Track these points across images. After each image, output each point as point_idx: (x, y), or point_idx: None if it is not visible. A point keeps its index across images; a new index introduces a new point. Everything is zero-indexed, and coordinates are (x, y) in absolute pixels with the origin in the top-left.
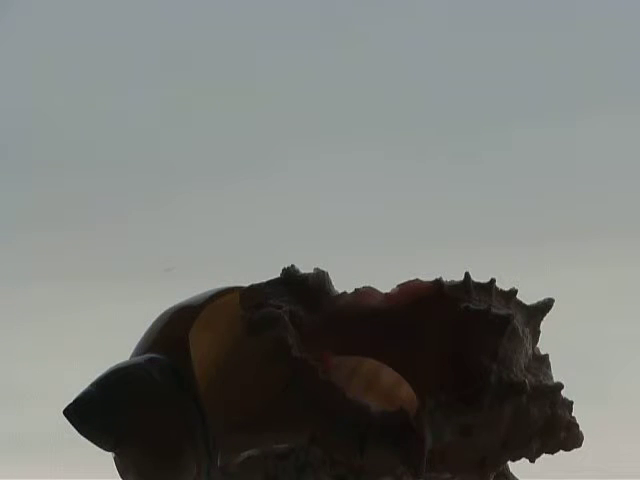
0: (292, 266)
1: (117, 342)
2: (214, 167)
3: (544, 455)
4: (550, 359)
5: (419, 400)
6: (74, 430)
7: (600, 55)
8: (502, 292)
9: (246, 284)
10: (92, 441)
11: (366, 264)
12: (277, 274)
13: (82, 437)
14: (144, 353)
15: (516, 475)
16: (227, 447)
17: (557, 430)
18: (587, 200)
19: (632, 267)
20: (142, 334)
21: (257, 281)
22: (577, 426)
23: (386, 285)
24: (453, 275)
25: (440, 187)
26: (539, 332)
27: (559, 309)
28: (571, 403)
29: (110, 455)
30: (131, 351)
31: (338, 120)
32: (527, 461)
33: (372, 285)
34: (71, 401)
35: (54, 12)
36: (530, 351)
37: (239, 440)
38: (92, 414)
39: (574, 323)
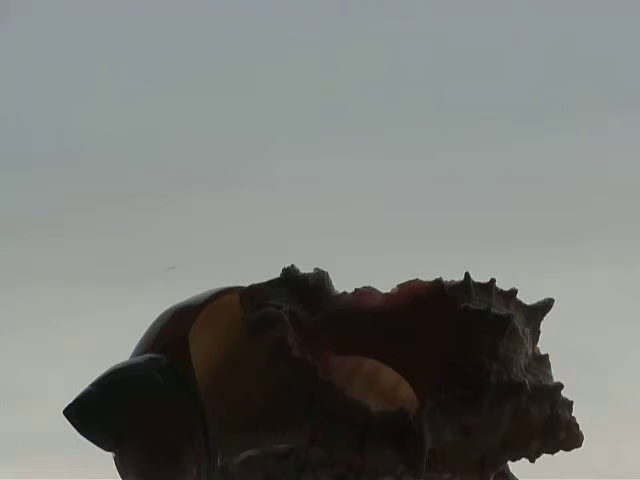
0: (292, 266)
1: (117, 342)
2: (214, 168)
3: (544, 455)
4: (550, 359)
5: (419, 400)
6: (74, 430)
7: (601, 55)
8: (502, 292)
9: (246, 284)
10: (92, 441)
11: (366, 264)
12: (277, 274)
13: (82, 437)
14: (144, 353)
15: (516, 475)
16: (227, 447)
17: (557, 430)
18: (587, 200)
19: (632, 267)
20: (142, 334)
21: (257, 281)
22: (577, 426)
23: (386, 285)
24: (453, 275)
25: (440, 187)
26: (539, 332)
27: (559, 309)
28: (571, 403)
29: (110, 455)
30: (131, 351)
31: (338, 121)
32: (527, 461)
33: (372, 285)
34: (71, 401)
35: (55, 13)
36: (530, 351)
37: (239, 440)
38: (92, 414)
39: (574, 323)
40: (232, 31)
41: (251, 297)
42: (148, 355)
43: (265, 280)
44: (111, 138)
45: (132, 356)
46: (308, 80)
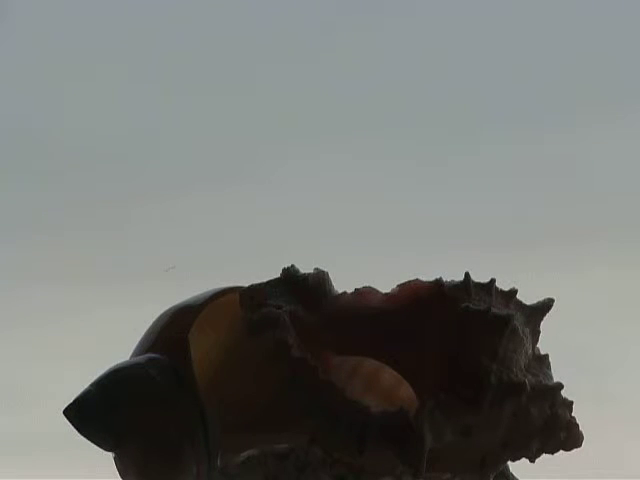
0: (292, 266)
1: (117, 342)
2: (214, 168)
3: (544, 455)
4: (550, 359)
5: (419, 400)
6: (74, 430)
7: (601, 55)
8: (502, 292)
9: (246, 284)
10: (92, 441)
11: (366, 264)
12: (277, 274)
13: (82, 437)
14: (144, 353)
15: (516, 475)
16: (227, 447)
17: (557, 430)
18: (587, 201)
19: (632, 267)
20: (142, 334)
21: (257, 281)
22: (577, 426)
23: (386, 285)
24: (453, 275)
25: (440, 187)
26: (539, 332)
27: (559, 309)
28: (571, 403)
29: (110, 455)
30: (131, 351)
31: (337, 121)
32: (527, 461)
33: (372, 285)
34: (71, 401)
35: (55, 13)
36: (530, 351)
37: (239, 440)
38: (92, 414)
39: (574, 323)
40: (232, 31)
41: (251, 297)
42: (148, 355)
43: (265, 280)
44: (111, 138)
45: (132, 356)
46: (308, 80)
